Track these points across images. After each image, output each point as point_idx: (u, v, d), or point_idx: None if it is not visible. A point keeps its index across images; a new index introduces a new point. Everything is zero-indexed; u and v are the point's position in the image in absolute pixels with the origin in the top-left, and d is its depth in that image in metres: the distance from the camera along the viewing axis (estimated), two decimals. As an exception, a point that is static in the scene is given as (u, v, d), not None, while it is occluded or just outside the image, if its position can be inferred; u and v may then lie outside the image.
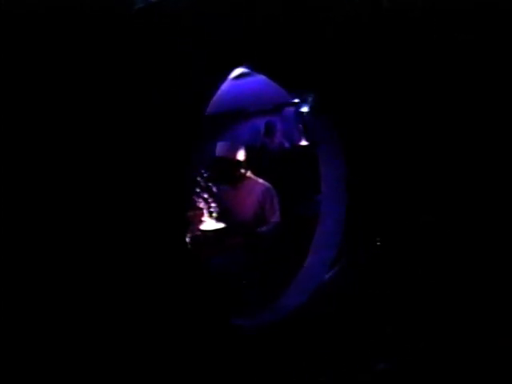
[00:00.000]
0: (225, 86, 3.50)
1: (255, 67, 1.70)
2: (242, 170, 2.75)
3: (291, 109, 5.25)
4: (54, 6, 1.29)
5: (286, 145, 5.24)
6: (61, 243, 1.35)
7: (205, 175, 2.76)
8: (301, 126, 4.95)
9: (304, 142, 5.01)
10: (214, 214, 2.68)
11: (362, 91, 1.55)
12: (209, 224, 2.66)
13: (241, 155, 2.73)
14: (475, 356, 1.56)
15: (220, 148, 2.77)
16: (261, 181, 2.80)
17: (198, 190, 2.69)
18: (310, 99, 1.74)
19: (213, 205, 2.67)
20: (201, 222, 2.66)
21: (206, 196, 2.68)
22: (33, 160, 1.31)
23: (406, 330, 1.60)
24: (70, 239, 1.35)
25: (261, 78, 1.92)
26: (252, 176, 2.82)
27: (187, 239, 2.38)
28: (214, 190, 2.71)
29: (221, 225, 2.65)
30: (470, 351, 1.57)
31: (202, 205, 2.67)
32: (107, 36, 1.35)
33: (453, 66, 1.54)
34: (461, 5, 1.50)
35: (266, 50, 1.52)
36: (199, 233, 2.60)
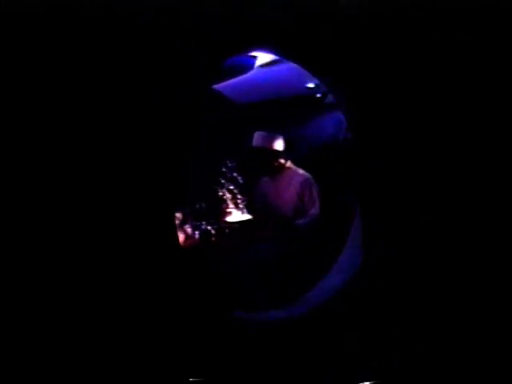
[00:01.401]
0: (253, 75, 3.40)
1: (284, 54, 1.67)
2: (282, 161, 2.66)
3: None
4: (54, 5, 1.29)
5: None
6: (60, 245, 1.35)
7: (230, 165, 2.71)
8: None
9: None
10: (241, 206, 2.63)
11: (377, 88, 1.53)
12: (235, 216, 2.61)
13: (279, 145, 2.65)
14: (475, 356, 1.56)
15: (257, 138, 2.69)
16: (301, 171, 2.71)
17: (222, 181, 2.64)
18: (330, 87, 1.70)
19: (239, 196, 2.63)
20: (226, 213, 2.62)
21: (231, 187, 2.63)
22: (33, 157, 1.31)
23: (406, 331, 1.60)
24: (69, 236, 1.36)
25: (291, 65, 1.86)
26: (292, 166, 2.72)
27: (212, 231, 2.36)
28: (240, 180, 2.65)
29: (247, 216, 2.60)
30: (470, 351, 1.57)
31: (227, 196, 2.62)
32: (107, 36, 1.35)
33: (453, 65, 1.54)
34: (461, 5, 1.50)
35: (293, 36, 1.49)
36: (225, 225, 2.55)
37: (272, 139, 2.65)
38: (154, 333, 1.45)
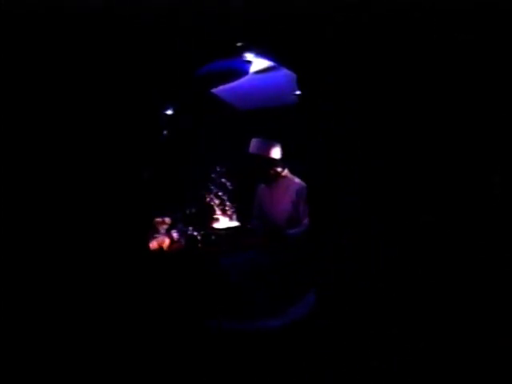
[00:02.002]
0: (247, 81, 3.35)
1: (281, 60, 1.67)
2: (279, 169, 2.62)
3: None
4: (54, 5, 1.29)
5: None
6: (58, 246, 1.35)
7: (219, 171, 2.68)
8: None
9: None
10: (229, 212, 2.60)
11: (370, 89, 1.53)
12: (223, 222, 2.58)
13: (276, 153, 2.61)
14: (475, 356, 1.56)
15: (254, 145, 2.65)
16: (297, 180, 2.66)
17: (211, 187, 2.61)
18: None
19: (227, 202, 2.60)
20: (214, 219, 2.59)
21: (220, 193, 2.61)
22: (32, 157, 1.31)
23: (406, 331, 1.60)
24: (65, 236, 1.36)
25: (286, 71, 1.84)
26: (288, 175, 2.67)
27: (198, 237, 2.35)
28: (229, 186, 2.62)
29: (234, 223, 2.57)
30: (470, 351, 1.57)
31: (214, 202, 2.60)
32: (107, 36, 1.35)
33: (453, 65, 1.54)
34: (461, 5, 1.50)
35: (290, 42, 1.49)
36: (211, 231, 2.51)
37: (269, 147, 2.60)
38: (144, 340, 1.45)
